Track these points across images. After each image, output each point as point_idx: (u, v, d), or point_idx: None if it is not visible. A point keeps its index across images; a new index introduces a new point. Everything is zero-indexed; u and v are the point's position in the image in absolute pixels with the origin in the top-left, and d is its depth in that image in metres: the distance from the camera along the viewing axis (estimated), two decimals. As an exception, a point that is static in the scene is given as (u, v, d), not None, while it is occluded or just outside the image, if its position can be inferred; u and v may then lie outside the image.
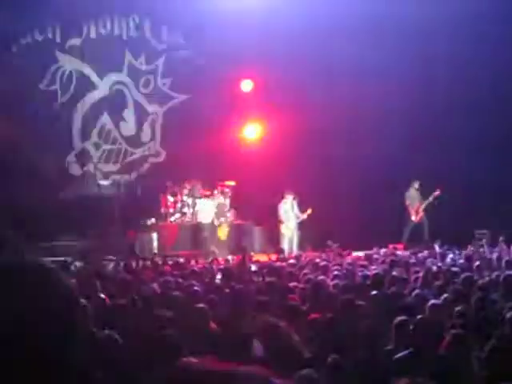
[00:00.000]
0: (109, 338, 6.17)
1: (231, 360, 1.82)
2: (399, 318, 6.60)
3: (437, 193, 21.51)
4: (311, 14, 22.55)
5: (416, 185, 22.19)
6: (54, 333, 1.83)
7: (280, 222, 21.61)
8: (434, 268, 12.27)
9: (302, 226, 21.66)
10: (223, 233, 21.87)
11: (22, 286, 1.85)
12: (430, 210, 22.03)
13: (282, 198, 21.62)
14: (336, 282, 10.58)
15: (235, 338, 6.52)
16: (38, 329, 1.81)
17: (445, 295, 8.67)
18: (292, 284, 10.61)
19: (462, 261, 14.80)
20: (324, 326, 7.15)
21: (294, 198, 21.52)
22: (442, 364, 5.51)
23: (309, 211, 21.25)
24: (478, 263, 13.39)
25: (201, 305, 8.21)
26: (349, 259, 15.76)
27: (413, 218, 22.12)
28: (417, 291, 9.36)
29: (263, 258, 18.84)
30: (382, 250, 18.55)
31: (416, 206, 22.17)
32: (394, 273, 11.51)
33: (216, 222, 21.90)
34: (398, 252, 18.40)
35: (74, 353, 1.86)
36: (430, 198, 21.76)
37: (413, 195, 22.29)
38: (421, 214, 22.14)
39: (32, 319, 1.80)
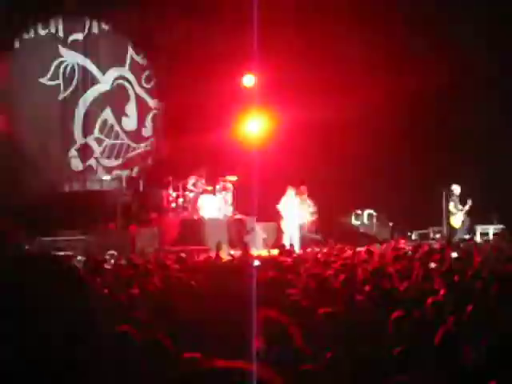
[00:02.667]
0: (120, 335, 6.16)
1: (232, 356, 1.83)
2: (396, 313, 6.62)
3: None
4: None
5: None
6: (76, 327, 1.85)
7: (280, 217, 21.59)
8: (433, 265, 12.25)
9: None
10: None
11: (49, 277, 1.87)
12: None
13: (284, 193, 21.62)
14: (338, 276, 10.58)
15: (236, 334, 6.52)
16: (60, 323, 1.82)
17: (444, 291, 8.67)
18: (294, 279, 10.62)
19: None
20: (324, 321, 7.16)
21: (296, 194, 21.49)
22: (435, 359, 5.53)
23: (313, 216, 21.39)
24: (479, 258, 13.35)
25: (201, 300, 8.22)
26: (350, 254, 15.73)
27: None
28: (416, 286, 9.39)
29: (265, 253, 18.86)
30: (384, 245, 18.56)
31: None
32: (395, 267, 11.51)
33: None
34: (401, 246, 18.42)
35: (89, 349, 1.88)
36: None
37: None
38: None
39: (56, 312, 1.82)
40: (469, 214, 22.05)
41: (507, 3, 21.91)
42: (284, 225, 21.50)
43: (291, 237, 21.31)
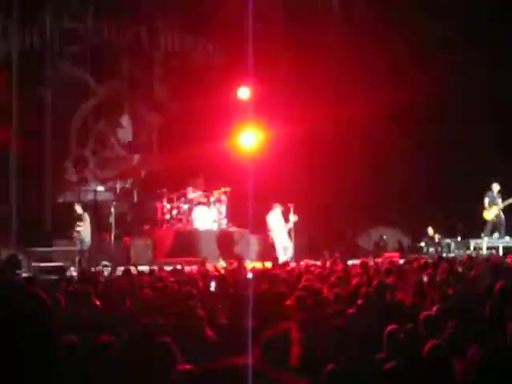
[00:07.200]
0: (106, 344, 6.23)
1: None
2: (390, 327, 6.67)
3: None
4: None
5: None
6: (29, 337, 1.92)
7: (269, 231, 21.34)
8: (425, 279, 12.29)
9: (296, 235, 21.54)
10: None
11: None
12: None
13: (271, 208, 21.34)
14: (331, 289, 10.63)
15: (233, 345, 6.58)
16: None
17: (437, 305, 8.73)
18: (287, 291, 10.65)
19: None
20: (318, 333, 7.22)
21: (282, 211, 21.23)
22: (424, 372, 5.59)
23: (294, 218, 20.97)
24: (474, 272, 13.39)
25: (198, 311, 8.25)
26: (343, 267, 15.76)
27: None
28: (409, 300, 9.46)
29: (258, 265, 18.83)
30: (378, 259, 18.61)
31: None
32: (388, 281, 11.56)
33: None
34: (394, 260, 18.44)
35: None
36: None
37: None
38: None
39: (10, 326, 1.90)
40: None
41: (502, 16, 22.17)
42: (275, 237, 21.27)
43: (285, 248, 21.20)
